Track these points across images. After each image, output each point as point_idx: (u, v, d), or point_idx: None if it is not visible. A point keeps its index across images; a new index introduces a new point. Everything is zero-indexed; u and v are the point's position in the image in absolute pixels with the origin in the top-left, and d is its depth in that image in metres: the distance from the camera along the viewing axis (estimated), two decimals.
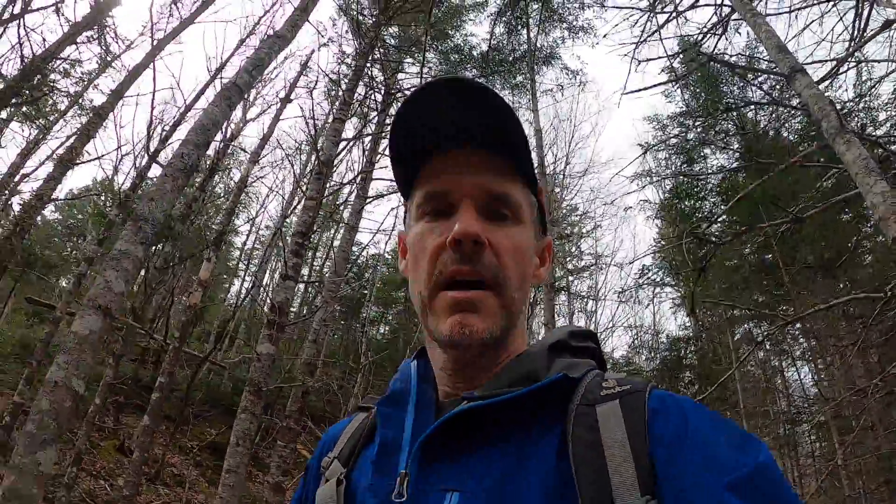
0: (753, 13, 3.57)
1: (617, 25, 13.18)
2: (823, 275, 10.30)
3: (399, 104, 0.60)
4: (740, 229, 6.10)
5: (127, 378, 9.19)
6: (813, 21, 5.55)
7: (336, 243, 15.60)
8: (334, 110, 7.88)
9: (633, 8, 6.90)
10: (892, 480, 9.68)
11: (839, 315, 10.04)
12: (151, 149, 7.84)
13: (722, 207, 11.17)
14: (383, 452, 0.57)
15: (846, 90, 10.04)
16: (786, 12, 4.87)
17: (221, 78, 9.17)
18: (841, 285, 10.67)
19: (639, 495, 0.43)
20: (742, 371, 13.46)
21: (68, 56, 8.51)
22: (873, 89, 8.28)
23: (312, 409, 10.81)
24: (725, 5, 5.45)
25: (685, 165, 12.41)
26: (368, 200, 8.90)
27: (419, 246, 0.61)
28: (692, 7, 6.17)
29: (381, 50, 8.75)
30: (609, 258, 18.07)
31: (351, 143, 8.28)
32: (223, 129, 9.04)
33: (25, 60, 6.81)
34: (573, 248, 17.25)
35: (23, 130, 10.89)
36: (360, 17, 7.95)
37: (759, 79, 8.13)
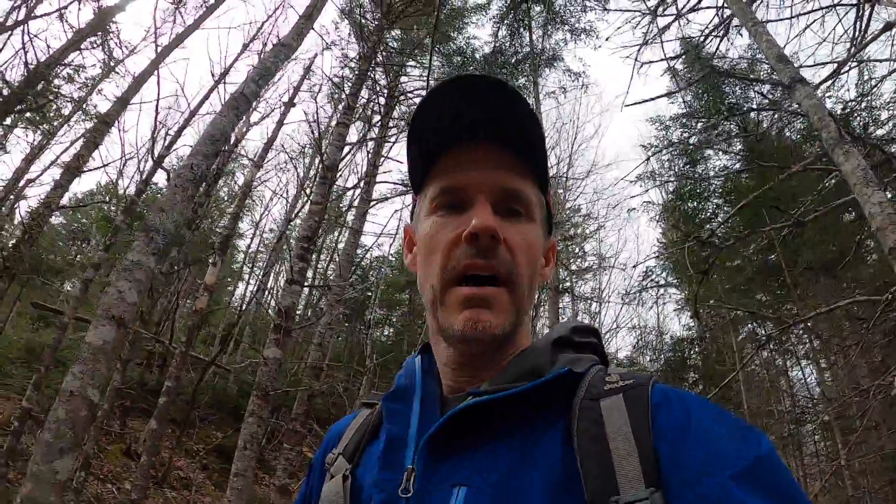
0: (755, 22, 3.59)
1: (619, 28, 13.19)
2: (826, 275, 10.29)
3: (422, 97, 0.62)
4: (743, 233, 6.13)
5: (133, 382, 9.24)
6: (814, 21, 5.58)
7: (340, 246, 15.65)
8: (338, 114, 7.94)
9: (634, 11, 6.94)
10: None
11: (842, 315, 10.03)
12: (156, 154, 7.90)
13: (725, 209, 11.18)
14: (390, 448, 0.57)
15: (848, 90, 10.06)
16: (787, 19, 4.89)
17: (225, 83, 9.23)
18: (844, 285, 10.66)
19: (643, 487, 0.44)
20: (746, 371, 13.45)
21: (72, 62, 8.56)
22: (875, 88, 8.30)
23: (318, 412, 10.83)
24: (727, 7, 5.48)
25: (688, 167, 12.40)
26: (372, 204, 8.94)
27: (432, 240, 0.61)
28: (693, 10, 6.21)
29: (384, 53, 8.78)
30: (613, 258, 18.12)
31: (355, 148, 8.33)
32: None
33: (29, 66, 6.84)
34: (577, 249, 17.25)
35: (27, 136, 10.93)
36: (363, 21, 8.00)
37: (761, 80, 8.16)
